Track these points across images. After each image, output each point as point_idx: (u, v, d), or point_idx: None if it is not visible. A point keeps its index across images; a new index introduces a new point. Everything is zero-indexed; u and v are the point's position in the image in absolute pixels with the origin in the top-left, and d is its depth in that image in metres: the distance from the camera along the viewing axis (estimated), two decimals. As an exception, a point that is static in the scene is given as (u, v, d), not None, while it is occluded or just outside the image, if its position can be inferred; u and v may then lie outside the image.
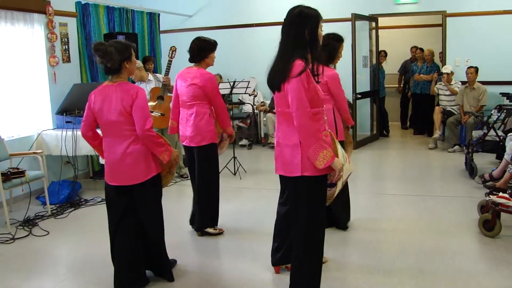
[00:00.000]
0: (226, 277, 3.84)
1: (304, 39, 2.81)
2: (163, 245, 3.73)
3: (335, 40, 4.22)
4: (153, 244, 3.65)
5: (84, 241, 4.70)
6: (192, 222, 4.73)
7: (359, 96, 8.67)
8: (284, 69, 2.79)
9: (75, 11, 6.96)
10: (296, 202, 3.00)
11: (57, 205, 5.79)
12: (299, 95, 2.73)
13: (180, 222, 4.90)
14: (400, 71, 10.63)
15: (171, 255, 3.86)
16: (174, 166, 3.72)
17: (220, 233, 4.67)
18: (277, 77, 2.84)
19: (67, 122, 6.20)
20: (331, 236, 4.41)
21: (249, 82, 8.35)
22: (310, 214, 2.95)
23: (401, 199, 5.71)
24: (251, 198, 5.87)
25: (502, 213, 4.32)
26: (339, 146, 3.01)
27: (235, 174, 6.97)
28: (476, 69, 7.96)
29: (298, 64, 2.76)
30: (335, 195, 3.12)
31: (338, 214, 4.54)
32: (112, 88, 3.39)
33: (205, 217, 4.60)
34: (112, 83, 3.41)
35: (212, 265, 4.07)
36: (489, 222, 4.34)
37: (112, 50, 3.31)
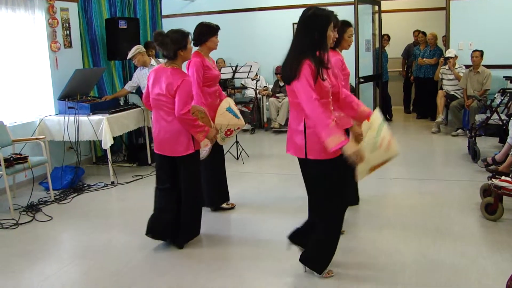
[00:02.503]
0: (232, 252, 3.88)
1: (314, 39, 3.04)
2: (194, 215, 4.16)
3: (341, 25, 4.20)
4: (185, 210, 4.06)
5: (87, 226, 4.73)
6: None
7: (362, 80, 8.62)
8: (293, 67, 3.04)
9: (76, -4, 6.92)
10: (306, 183, 3.37)
11: (60, 191, 5.81)
12: (305, 90, 2.98)
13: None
14: (403, 55, 10.56)
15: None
16: (212, 142, 4.30)
17: (232, 207, 4.98)
18: (287, 74, 3.09)
19: (69, 107, 6.19)
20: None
21: (251, 66, 8.32)
22: (320, 194, 3.27)
23: (404, 183, 5.71)
24: (254, 183, 5.88)
25: (504, 197, 4.32)
26: (371, 133, 3.21)
27: (237, 158, 6.98)
28: (482, 52, 7.90)
29: (307, 65, 2.99)
30: (362, 176, 3.28)
31: None
32: (165, 71, 3.86)
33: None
34: (167, 66, 3.88)
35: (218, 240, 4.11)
36: (491, 206, 4.34)
37: (168, 41, 3.77)
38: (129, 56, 6.51)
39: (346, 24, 4.22)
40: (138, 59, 6.51)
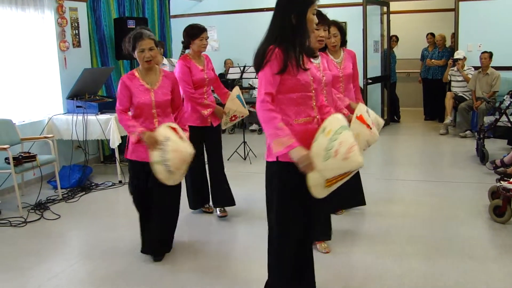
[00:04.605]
0: (233, 257, 3.88)
1: (291, 23, 2.62)
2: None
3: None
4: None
5: (95, 225, 4.74)
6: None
7: (370, 81, 8.61)
8: (259, 55, 2.66)
9: (85, -5, 6.96)
10: (271, 191, 2.82)
11: (68, 189, 5.84)
12: (261, 81, 2.63)
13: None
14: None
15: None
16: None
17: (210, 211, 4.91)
18: (255, 63, 2.70)
19: (77, 106, 6.23)
20: (340, 220, 4.43)
21: (259, 67, 8.29)
22: (275, 201, 2.77)
23: (412, 185, 5.69)
24: (261, 183, 5.85)
25: (513, 199, 4.29)
26: (324, 138, 2.59)
27: (245, 159, 6.98)
28: (490, 54, 7.86)
29: (275, 53, 2.59)
30: (318, 191, 2.67)
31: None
32: None
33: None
34: None
35: (220, 245, 4.11)
36: (499, 208, 4.32)
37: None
38: None
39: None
40: None
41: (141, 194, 3.84)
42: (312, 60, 3.38)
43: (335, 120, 2.66)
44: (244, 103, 4.86)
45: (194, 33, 4.52)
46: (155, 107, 3.74)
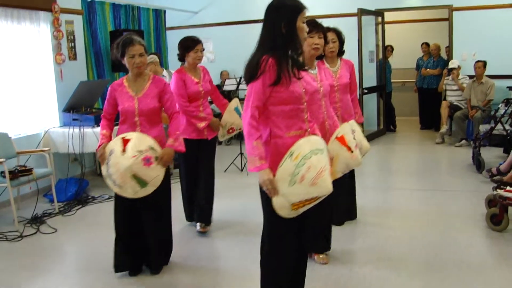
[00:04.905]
0: (229, 273, 3.86)
1: (281, 33, 2.56)
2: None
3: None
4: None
5: (92, 239, 4.72)
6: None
7: (366, 91, 8.64)
8: (251, 67, 2.59)
9: (81, 8, 6.98)
10: (262, 204, 2.77)
11: (65, 203, 5.81)
12: (249, 93, 2.57)
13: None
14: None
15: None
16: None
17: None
18: (247, 74, 2.62)
19: (74, 119, 6.22)
20: (338, 230, 4.42)
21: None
22: (270, 218, 2.70)
23: (409, 194, 5.70)
24: (258, 195, 5.84)
25: (509, 207, 4.30)
26: (291, 163, 2.51)
27: (242, 170, 6.98)
28: (484, 63, 7.91)
29: (268, 65, 2.53)
30: (284, 212, 2.59)
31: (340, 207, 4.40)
32: None
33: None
34: None
35: (214, 261, 4.09)
36: (496, 216, 4.32)
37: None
38: None
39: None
40: (150, 68, 6.56)
41: (124, 213, 3.74)
42: (308, 70, 3.39)
43: (306, 144, 2.55)
44: None
45: (188, 45, 4.49)
46: (138, 115, 3.64)
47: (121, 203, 3.71)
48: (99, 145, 3.62)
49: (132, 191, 3.54)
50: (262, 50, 2.59)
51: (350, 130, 3.51)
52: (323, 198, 2.57)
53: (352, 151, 3.37)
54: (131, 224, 3.73)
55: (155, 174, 3.54)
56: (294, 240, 2.76)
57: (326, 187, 2.50)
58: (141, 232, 3.76)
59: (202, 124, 4.49)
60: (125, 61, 3.63)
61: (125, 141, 3.53)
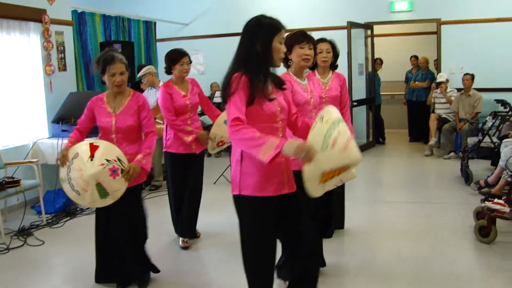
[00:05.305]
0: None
1: (255, 51, 2.53)
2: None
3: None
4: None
5: (80, 251, 4.67)
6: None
7: (355, 103, 8.69)
8: (226, 84, 2.54)
9: (71, 19, 6.97)
10: (239, 225, 2.72)
11: (53, 214, 5.76)
12: (231, 107, 2.47)
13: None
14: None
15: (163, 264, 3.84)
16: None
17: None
18: (222, 92, 2.58)
19: (63, 130, 6.18)
20: (328, 243, 4.41)
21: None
22: (246, 238, 2.69)
23: (398, 206, 5.71)
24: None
25: (497, 219, 4.32)
26: (323, 125, 2.48)
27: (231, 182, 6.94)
28: (472, 76, 8.01)
29: (242, 81, 2.49)
30: (313, 187, 2.55)
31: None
32: None
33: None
34: None
35: (202, 276, 4.06)
36: (484, 228, 4.35)
37: None
38: (139, 75, 6.63)
39: (316, 41, 3.84)
40: (147, 79, 6.59)
41: (102, 224, 3.69)
42: (299, 81, 3.41)
43: (333, 111, 2.54)
44: None
45: (174, 57, 4.46)
46: (115, 132, 3.57)
47: (101, 212, 3.67)
48: (64, 147, 3.56)
49: (90, 200, 3.46)
50: (236, 67, 2.56)
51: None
52: (350, 171, 2.55)
53: None
54: (109, 234, 3.67)
55: (118, 187, 3.46)
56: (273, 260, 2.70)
57: (356, 154, 2.38)
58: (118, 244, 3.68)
59: (189, 138, 4.43)
60: (106, 78, 3.55)
61: (93, 147, 3.46)
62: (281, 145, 2.32)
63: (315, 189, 2.53)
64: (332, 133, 2.39)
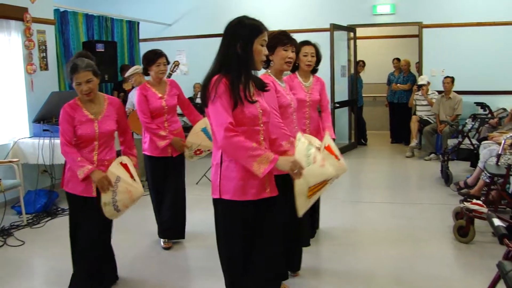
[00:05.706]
0: None
1: (235, 53, 2.50)
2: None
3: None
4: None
5: (60, 251, 4.62)
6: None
7: (338, 105, 8.75)
8: (206, 87, 2.51)
9: (53, 18, 6.90)
10: (216, 227, 2.73)
11: (33, 215, 5.71)
12: (217, 113, 2.44)
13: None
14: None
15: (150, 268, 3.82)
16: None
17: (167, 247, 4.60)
18: (202, 94, 2.56)
19: (44, 130, 6.13)
20: (307, 248, 4.43)
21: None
22: (223, 240, 2.70)
23: (378, 207, 5.77)
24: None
25: (475, 220, 4.39)
26: (302, 145, 2.71)
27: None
28: (453, 79, 8.12)
29: (222, 84, 2.46)
30: (302, 202, 2.72)
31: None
32: None
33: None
34: None
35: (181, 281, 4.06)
36: (463, 229, 4.42)
37: None
38: (126, 74, 6.57)
39: (301, 43, 3.95)
40: (135, 79, 6.55)
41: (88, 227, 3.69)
42: (279, 83, 3.42)
43: (305, 138, 2.81)
44: (212, 136, 4.63)
45: (151, 58, 4.36)
46: (98, 138, 3.44)
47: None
48: (90, 170, 3.34)
49: (122, 213, 3.59)
50: (217, 68, 2.54)
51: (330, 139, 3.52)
52: (328, 185, 2.77)
53: (339, 159, 3.41)
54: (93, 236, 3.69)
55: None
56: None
57: (329, 170, 2.71)
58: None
59: (162, 143, 4.31)
60: (74, 86, 3.40)
61: (125, 166, 3.51)
62: (276, 160, 2.41)
63: (303, 205, 2.70)
64: (311, 152, 2.68)
